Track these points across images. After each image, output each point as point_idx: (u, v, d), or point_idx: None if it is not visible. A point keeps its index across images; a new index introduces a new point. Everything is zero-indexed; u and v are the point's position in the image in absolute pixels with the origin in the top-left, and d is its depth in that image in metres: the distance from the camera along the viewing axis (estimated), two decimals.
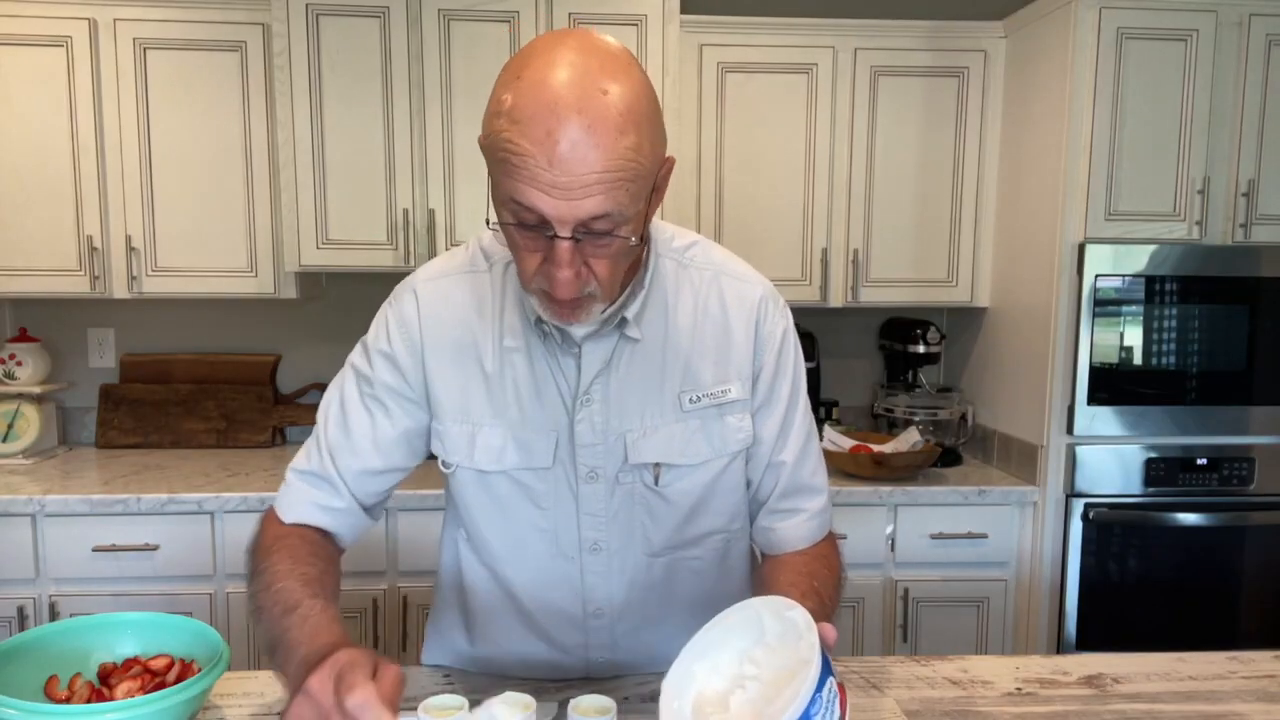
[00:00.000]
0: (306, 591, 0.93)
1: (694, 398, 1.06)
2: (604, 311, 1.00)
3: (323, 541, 1.07)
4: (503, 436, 1.06)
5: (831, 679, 0.75)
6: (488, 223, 0.93)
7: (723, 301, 1.08)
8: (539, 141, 0.81)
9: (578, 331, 1.03)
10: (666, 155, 0.93)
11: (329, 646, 0.83)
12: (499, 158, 0.85)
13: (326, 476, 1.08)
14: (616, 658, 1.16)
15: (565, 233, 0.85)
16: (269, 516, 1.10)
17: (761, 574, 1.15)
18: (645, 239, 1.04)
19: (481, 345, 1.06)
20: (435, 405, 1.08)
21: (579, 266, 0.88)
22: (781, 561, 1.13)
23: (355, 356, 1.11)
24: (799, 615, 0.79)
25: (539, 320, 1.02)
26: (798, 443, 1.13)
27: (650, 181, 0.90)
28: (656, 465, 1.06)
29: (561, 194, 0.82)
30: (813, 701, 0.72)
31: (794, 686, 0.72)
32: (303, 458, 1.11)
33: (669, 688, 0.81)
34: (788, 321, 1.12)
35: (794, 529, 1.14)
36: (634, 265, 1.03)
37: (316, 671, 0.77)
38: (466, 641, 1.21)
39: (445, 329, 1.06)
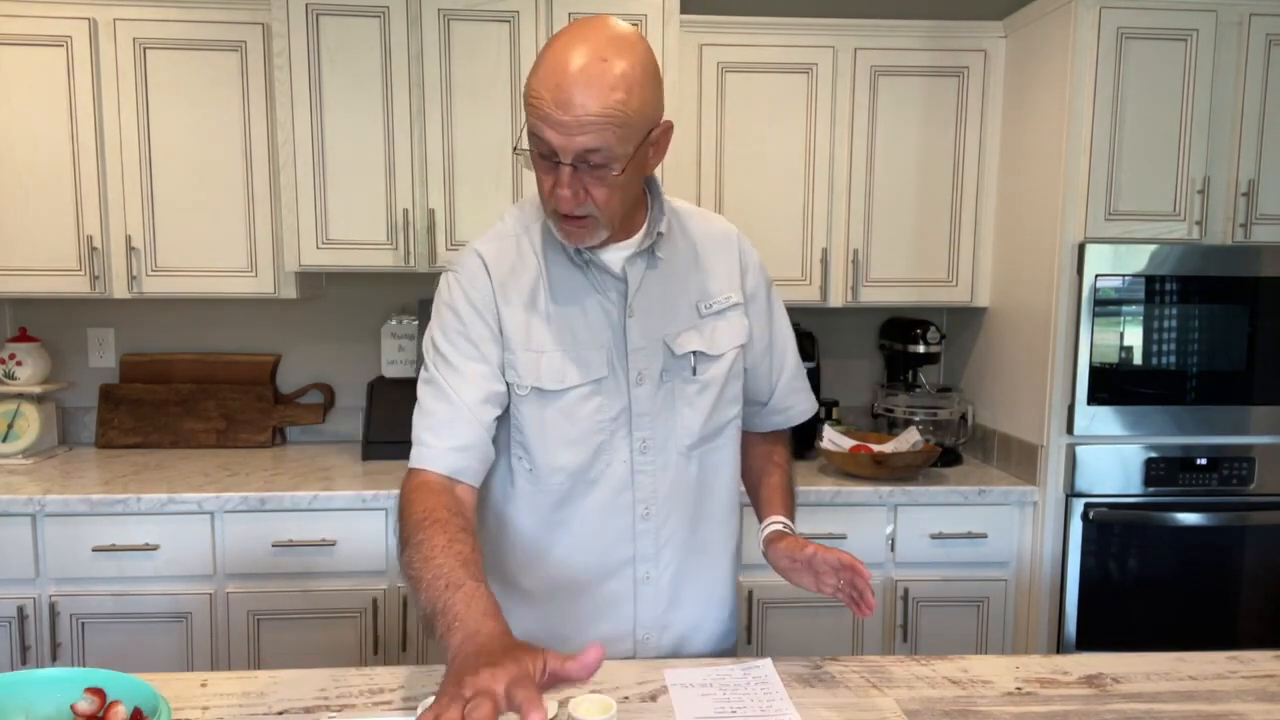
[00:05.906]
0: (467, 573, 1.05)
1: (708, 305, 1.35)
2: (618, 248, 1.28)
3: (462, 511, 1.18)
4: (562, 359, 1.28)
5: None
6: (515, 149, 1.17)
7: (710, 234, 1.40)
8: (550, 90, 1.11)
9: (614, 259, 1.29)
10: (663, 120, 1.18)
11: (500, 634, 0.95)
12: (527, 104, 1.14)
13: (454, 413, 1.23)
14: (660, 616, 1.34)
15: (566, 160, 1.13)
16: (411, 480, 1.21)
17: (753, 486, 1.50)
18: (654, 189, 1.32)
19: (537, 288, 1.29)
20: (507, 339, 1.29)
21: (577, 189, 1.16)
22: (766, 481, 1.48)
23: (439, 319, 1.29)
24: None
25: (586, 262, 1.28)
26: (791, 341, 1.49)
27: (639, 133, 1.15)
28: (694, 354, 1.32)
29: (563, 130, 1.11)
30: None
31: None
32: (424, 417, 1.24)
33: None
34: (756, 251, 1.46)
35: (803, 405, 1.51)
36: (639, 206, 1.29)
37: (494, 670, 0.85)
38: (511, 571, 1.35)
39: (507, 277, 1.29)
